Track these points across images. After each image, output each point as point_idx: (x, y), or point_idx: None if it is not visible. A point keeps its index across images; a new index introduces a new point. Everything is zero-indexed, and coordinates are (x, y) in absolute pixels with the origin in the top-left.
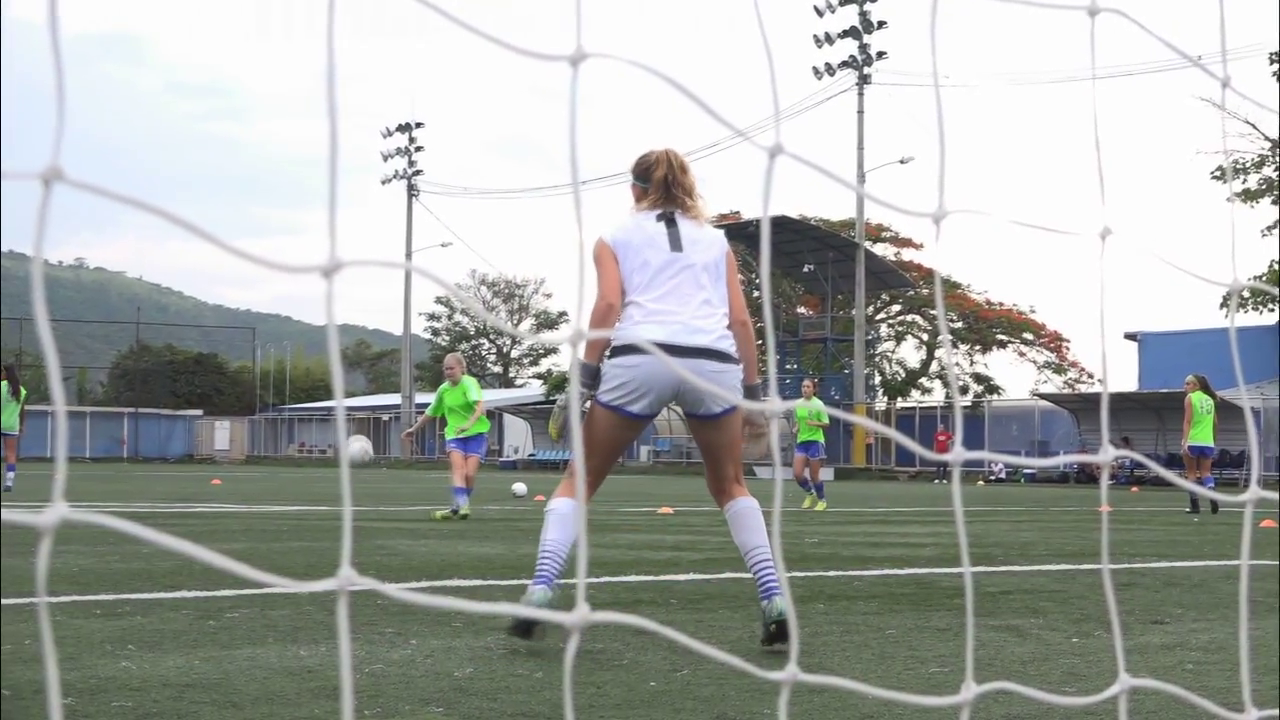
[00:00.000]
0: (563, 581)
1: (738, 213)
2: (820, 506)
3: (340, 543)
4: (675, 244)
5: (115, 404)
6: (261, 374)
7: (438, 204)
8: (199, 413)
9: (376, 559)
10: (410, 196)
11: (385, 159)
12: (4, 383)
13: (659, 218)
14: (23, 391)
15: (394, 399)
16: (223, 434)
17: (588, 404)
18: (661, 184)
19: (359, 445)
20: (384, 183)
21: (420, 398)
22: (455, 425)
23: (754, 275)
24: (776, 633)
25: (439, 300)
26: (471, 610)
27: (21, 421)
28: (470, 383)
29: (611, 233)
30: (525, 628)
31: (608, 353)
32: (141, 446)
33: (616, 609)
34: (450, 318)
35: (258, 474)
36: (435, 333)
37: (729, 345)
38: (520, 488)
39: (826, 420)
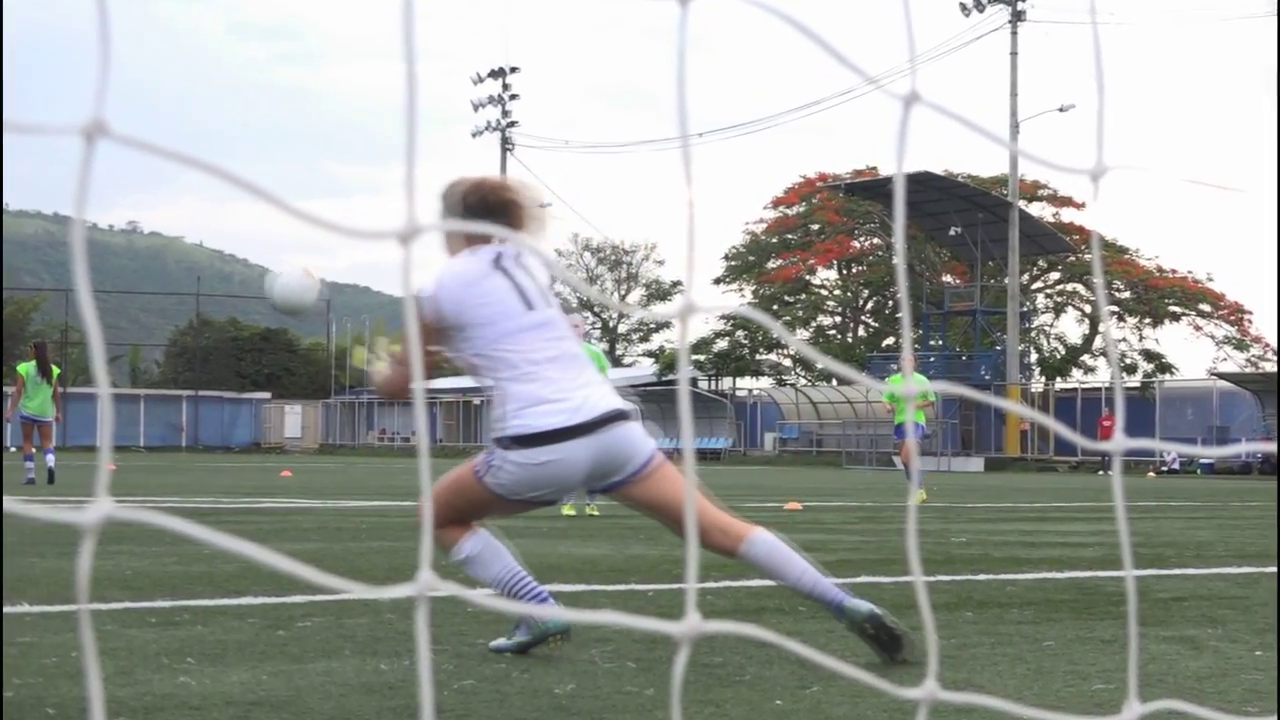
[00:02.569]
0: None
1: (874, 169)
2: (920, 498)
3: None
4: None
5: (172, 386)
6: (337, 352)
7: (535, 159)
8: (266, 396)
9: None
10: (504, 151)
11: (476, 108)
12: (32, 363)
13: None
14: (54, 371)
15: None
16: (293, 419)
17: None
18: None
19: (292, 278)
20: (474, 135)
21: None
22: None
23: (890, 239)
24: (879, 634)
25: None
26: (572, 620)
27: (58, 406)
28: (597, 352)
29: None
30: (538, 641)
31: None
32: (202, 434)
33: (736, 618)
34: (550, 287)
35: (332, 465)
36: None
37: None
38: None
39: (932, 398)
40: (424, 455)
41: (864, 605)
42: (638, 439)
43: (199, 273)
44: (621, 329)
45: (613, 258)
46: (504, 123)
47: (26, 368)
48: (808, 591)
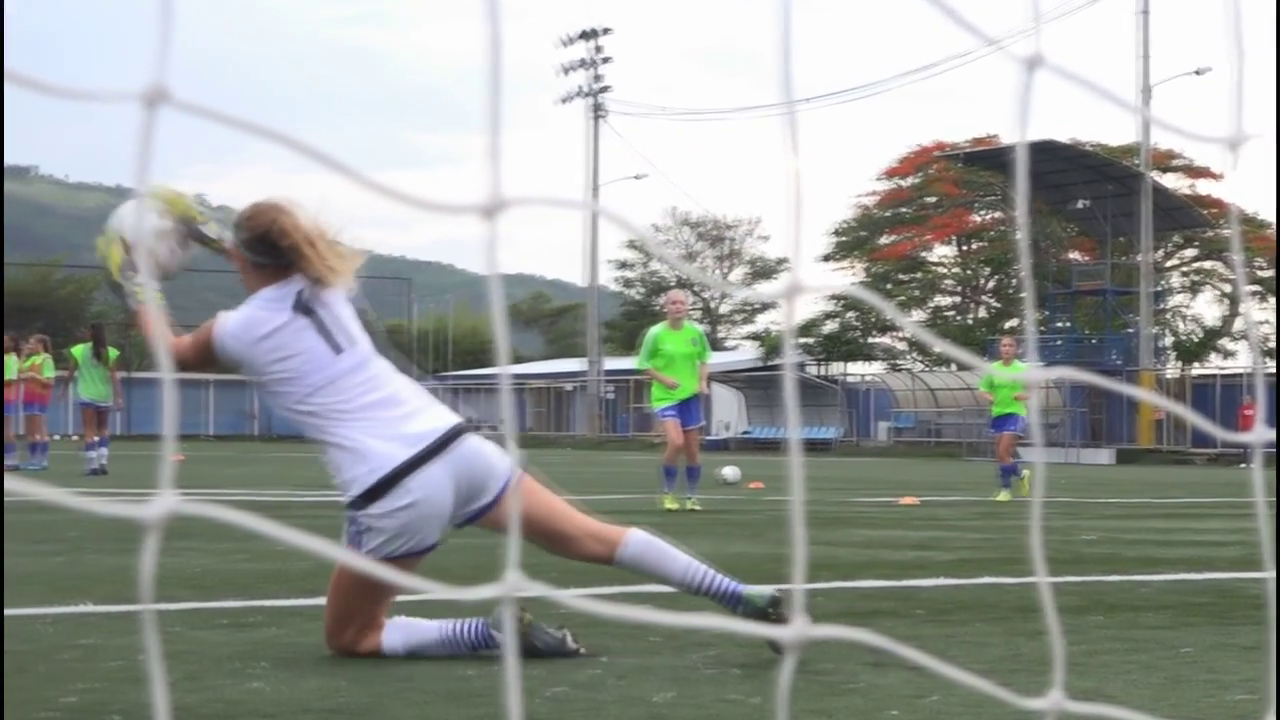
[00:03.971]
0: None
1: (994, 137)
2: (1002, 496)
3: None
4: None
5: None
6: (419, 333)
7: (629, 126)
8: None
9: (555, 559)
10: (595, 118)
11: (564, 72)
12: (87, 345)
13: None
14: (112, 354)
15: (577, 364)
16: None
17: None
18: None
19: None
20: (563, 101)
21: (611, 363)
22: (664, 388)
23: (1012, 212)
24: (784, 620)
25: (632, 244)
26: (667, 624)
27: (115, 390)
28: (698, 332)
29: None
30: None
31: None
32: (274, 422)
33: (848, 620)
34: (645, 265)
35: None
36: (628, 284)
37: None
38: (731, 472)
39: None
40: (511, 444)
41: (764, 590)
42: (491, 454)
43: None
44: (723, 310)
45: (714, 233)
46: (595, 87)
47: (80, 350)
48: (697, 586)
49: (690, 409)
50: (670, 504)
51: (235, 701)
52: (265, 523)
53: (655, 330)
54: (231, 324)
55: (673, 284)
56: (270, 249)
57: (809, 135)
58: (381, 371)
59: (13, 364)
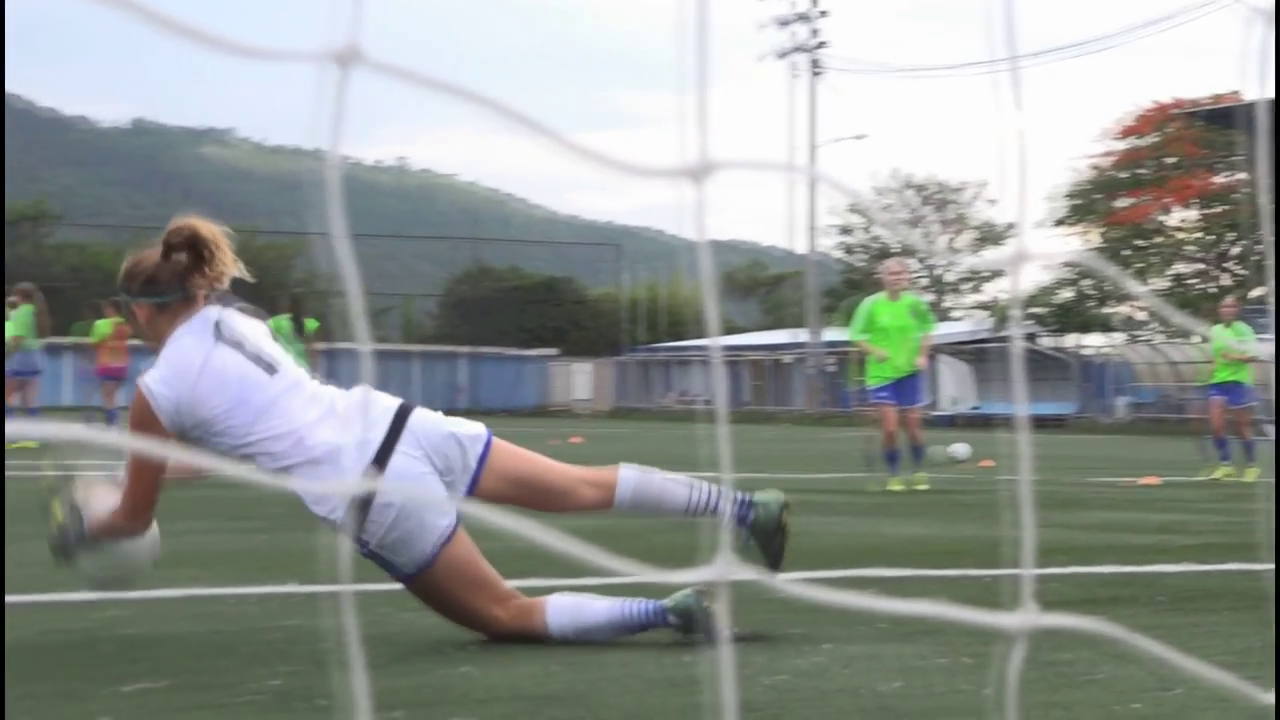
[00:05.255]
0: (992, 573)
1: (1237, 94)
2: (1251, 475)
3: (721, 521)
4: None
5: (449, 341)
6: (630, 303)
7: (849, 83)
8: (553, 352)
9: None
10: (812, 74)
11: (781, 25)
12: (286, 316)
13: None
14: (311, 325)
15: (796, 335)
16: (583, 379)
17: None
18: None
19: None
20: (781, 56)
21: (832, 334)
22: (888, 361)
23: (1254, 174)
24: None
25: (854, 209)
26: (889, 611)
27: (314, 362)
28: (918, 302)
29: None
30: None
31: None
32: (483, 395)
33: (1086, 609)
34: (868, 230)
35: (627, 430)
36: (849, 250)
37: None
38: (962, 449)
39: (1255, 351)
40: (722, 421)
41: (776, 496)
42: (448, 421)
43: (475, 215)
44: (949, 278)
45: (939, 196)
46: (812, 42)
47: (281, 322)
48: (703, 507)
49: (909, 387)
50: (896, 485)
51: (445, 687)
52: (469, 504)
53: (871, 300)
54: (160, 377)
55: (895, 251)
56: (169, 280)
57: (1034, 91)
58: (312, 385)
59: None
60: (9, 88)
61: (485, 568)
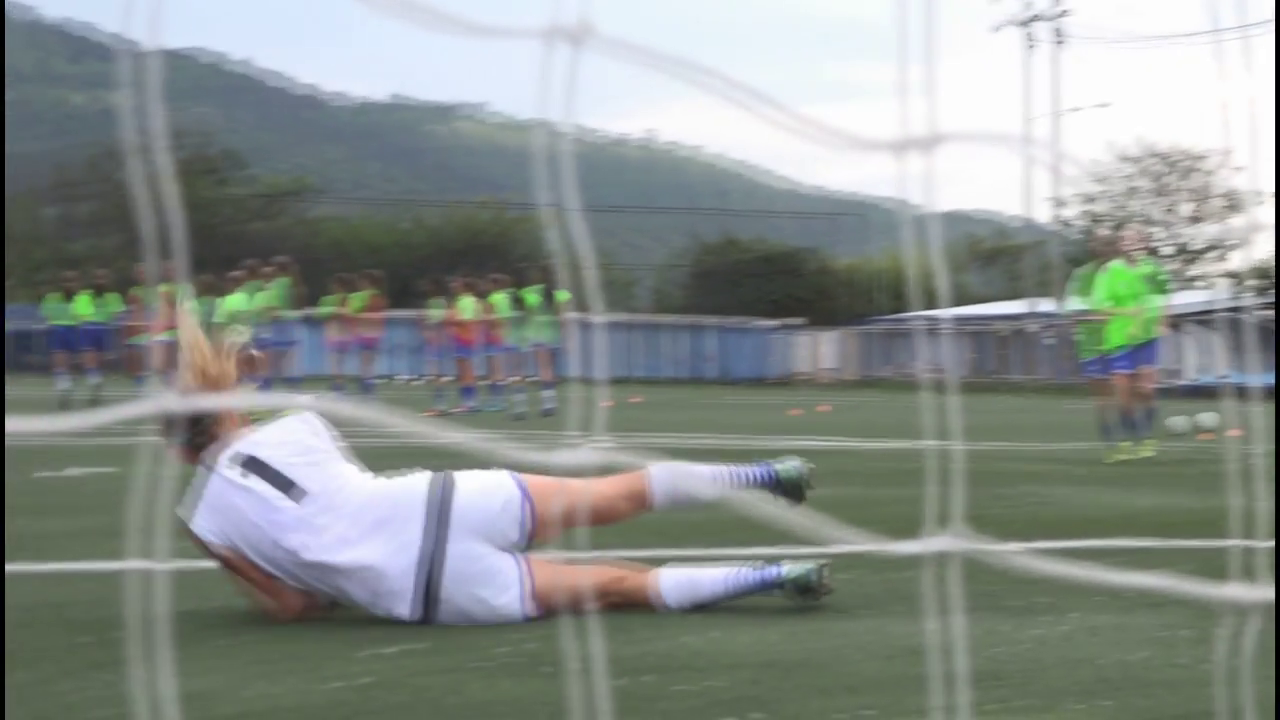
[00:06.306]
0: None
1: None
2: (1147, 450)
3: (953, 491)
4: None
5: (697, 311)
6: (876, 273)
7: (1092, 53)
8: (801, 321)
9: (1005, 509)
10: (1055, 43)
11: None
12: (540, 288)
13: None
14: (559, 296)
15: (1039, 305)
16: (829, 348)
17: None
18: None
19: None
20: (1023, 24)
21: (1075, 303)
22: (1119, 329)
23: None
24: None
25: (1097, 178)
26: (1108, 582)
27: (565, 333)
28: (1156, 270)
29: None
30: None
31: None
32: (732, 365)
33: None
34: (1109, 200)
35: (871, 399)
36: (1095, 219)
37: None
38: (1209, 418)
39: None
40: (952, 390)
41: (797, 464)
42: (482, 488)
43: (722, 187)
44: (1195, 246)
45: (1185, 164)
46: (1055, 11)
47: (532, 294)
48: (730, 487)
49: (1145, 352)
50: (1134, 451)
51: (666, 654)
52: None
53: (1109, 267)
54: (201, 517)
55: (1137, 219)
56: (185, 422)
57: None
58: (346, 483)
59: (469, 306)
60: (266, 65)
61: (578, 571)
